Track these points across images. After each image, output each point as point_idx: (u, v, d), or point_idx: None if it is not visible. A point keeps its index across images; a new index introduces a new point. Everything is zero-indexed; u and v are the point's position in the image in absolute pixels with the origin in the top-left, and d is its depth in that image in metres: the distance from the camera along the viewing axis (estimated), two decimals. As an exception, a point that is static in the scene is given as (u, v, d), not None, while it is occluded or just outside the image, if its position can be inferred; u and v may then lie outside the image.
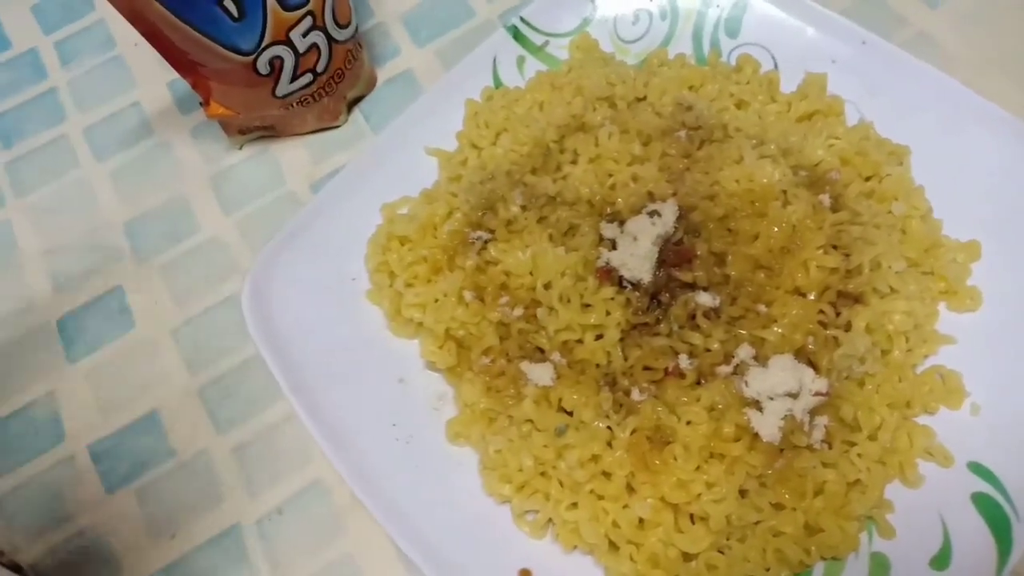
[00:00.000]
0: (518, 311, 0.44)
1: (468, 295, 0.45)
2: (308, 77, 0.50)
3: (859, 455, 0.40)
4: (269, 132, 0.54)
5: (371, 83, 0.56)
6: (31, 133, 0.58)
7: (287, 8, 0.45)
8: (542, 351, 0.43)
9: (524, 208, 0.46)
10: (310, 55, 0.48)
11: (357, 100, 0.55)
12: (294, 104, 0.51)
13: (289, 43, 0.47)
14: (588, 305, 0.43)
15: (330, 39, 0.49)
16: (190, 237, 0.52)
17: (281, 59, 0.47)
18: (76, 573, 0.44)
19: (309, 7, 0.46)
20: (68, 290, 0.51)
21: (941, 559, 0.38)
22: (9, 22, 0.62)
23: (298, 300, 0.46)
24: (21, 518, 0.45)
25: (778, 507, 0.39)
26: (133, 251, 0.52)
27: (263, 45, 0.46)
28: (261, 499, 0.45)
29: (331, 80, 0.51)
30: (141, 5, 0.42)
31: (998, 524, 0.38)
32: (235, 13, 0.44)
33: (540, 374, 0.42)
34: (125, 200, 0.54)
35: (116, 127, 0.57)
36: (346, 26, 0.50)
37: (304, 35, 0.47)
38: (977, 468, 0.40)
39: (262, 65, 0.47)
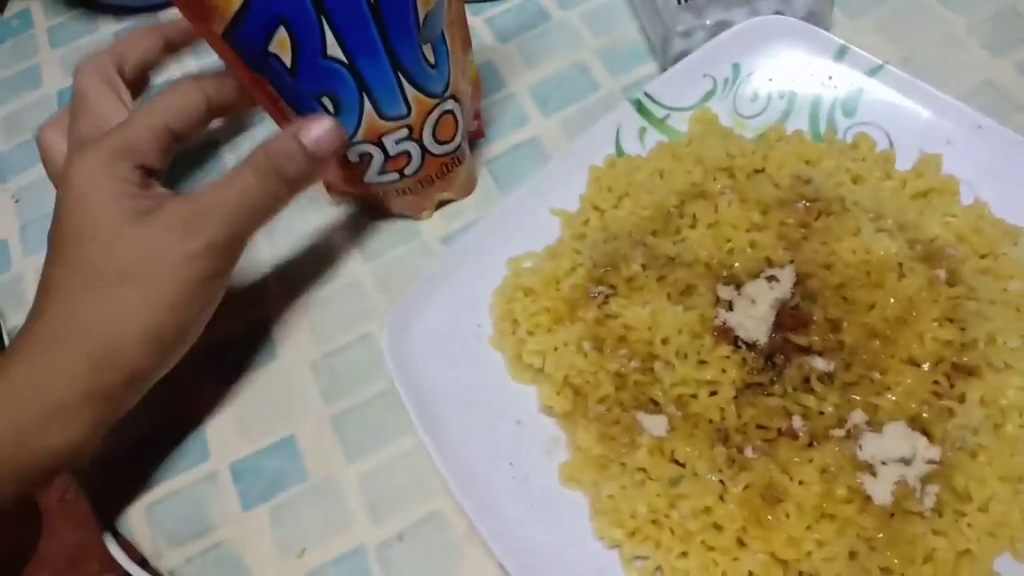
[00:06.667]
0: (635, 363, 0.46)
1: (587, 345, 0.47)
2: (395, 175, 0.53)
3: (969, 525, 0.40)
4: (360, 203, 0.59)
5: (467, 190, 0.59)
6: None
7: (384, 118, 0.48)
8: (656, 403, 0.45)
9: (644, 267, 0.48)
10: (400, 159, 0.52)
11: (448, 201, 0.59)
12: (380, 192, 0.55)
13: (380, 145, 0.50)
14: (704, 362, 0.45)
15: (424, 151, 0.52)
16: (332, 281, 0.57)
17: (371, 155, 0.51)
18: (210, 582, 0.47)
19: (407, 121, 0.49)
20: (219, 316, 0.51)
21: (1050, 634, 0.38)
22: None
23: (428, 342, 0.49)
24: (166, 527, 0.49)
25: (886, 571, 0.40)
26: (280, 288, 0.57)
27: (354, 141, 0.49)
28: (384, 525, 0.48)
29: (419, 183, 0.54)
30: (255, 85, 0.46)
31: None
32: (331, 110, 0.47)
33: (654, 425, 0.45)
34: (275, 245, 0.59)
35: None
36: (447, 142, 0.53)
37: (397, 143, 0.50)
38: (1091, 547, 0.40)
39: (352, 155, 0.51)
